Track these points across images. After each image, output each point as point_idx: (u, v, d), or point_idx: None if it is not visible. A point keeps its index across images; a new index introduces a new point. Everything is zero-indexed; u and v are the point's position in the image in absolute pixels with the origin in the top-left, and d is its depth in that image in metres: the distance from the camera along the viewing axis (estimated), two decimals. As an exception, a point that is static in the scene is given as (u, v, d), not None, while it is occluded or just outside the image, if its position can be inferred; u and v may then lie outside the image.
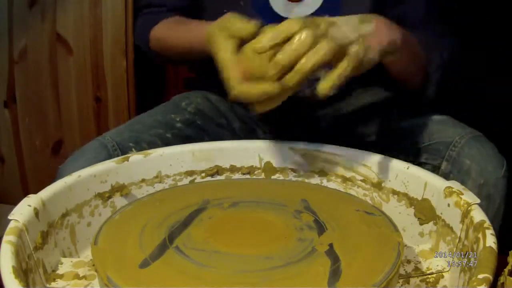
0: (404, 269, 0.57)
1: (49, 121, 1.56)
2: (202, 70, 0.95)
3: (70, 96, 1.53)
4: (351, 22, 0.60)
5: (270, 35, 0.58)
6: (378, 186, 0.69)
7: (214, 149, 0.74)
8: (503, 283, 0.44)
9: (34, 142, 1.58)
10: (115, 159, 0.68)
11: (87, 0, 1.45)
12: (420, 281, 0.56)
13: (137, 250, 0.51)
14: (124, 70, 1.50)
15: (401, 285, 0.55)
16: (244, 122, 0.90)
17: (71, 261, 0.57)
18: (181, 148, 0.73)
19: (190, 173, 0.73)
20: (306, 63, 0.56)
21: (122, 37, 1.47)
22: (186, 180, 0.73)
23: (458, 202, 0.57)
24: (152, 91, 1.61)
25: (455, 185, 0.60)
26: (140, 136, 0.79)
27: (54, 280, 0.54)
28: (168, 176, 0.72)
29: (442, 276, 0.56)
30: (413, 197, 0.65)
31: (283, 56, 0.57)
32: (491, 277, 0.43)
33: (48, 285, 0.53)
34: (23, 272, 0.47)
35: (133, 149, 0.75)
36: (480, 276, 0.43)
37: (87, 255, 0.61)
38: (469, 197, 0.57)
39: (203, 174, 0.73)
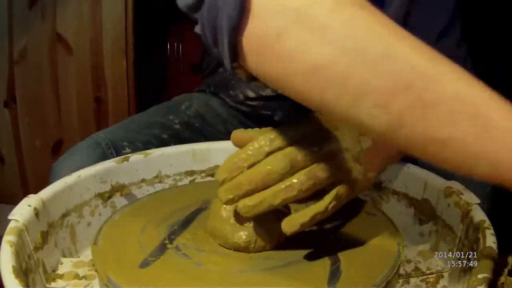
0: (404, 269, 0.57)
1: (49, 121, 1.56)
2: (212, 76, 0.94)
3: (70, 96, 1.54)
4: (353, 133, 0.50)
5: (229, 163, 0.47)
6: (378, 186, 0.69)
7: (214, 149, 0.74)
8: (503, 283, 0.44)
9: (34, 142, 1.59)
10: (115, 159, 0.68)
11: (87, 0, 1.45)
12: (420, 281, 0.55)
13: (137, 250, 0.51)
14: (124, 70, 1.50)
15: (401, 285, 0.55)
16: (245, 125, 0.90)
17: (71, 261, 0.57)
18: (181, 148, 0.73)
19: (190, 173, 0.73)
20: (272, 198, 0.45)
21: (122, 37, 1.47)
22: (186, 180, 0.73)
23: (458, 202, 0.57)
24: (152, 91, 1.61)
25: (455, 185, 0.60)
26: (135, 136, 0.79)
27: (54, 280, 0.54)
28: (168, 176, 0.72)
29: (442, 276, 0.56)
30: (413, 197, 0.65)
31: (242, 179, 0.46)
32: (491, 277, 0.43)
33: (48, 285, 0.53)
34: (23, 272, 0.47)
35: (127, 148, 0.75)
36: (480, 276, 0.43)
37: (87, 255, 0.61)
38: (469, 197, 0.57)
39: (203, 174, 0.73)
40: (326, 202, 0.47)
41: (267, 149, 0.46)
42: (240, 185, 0.46)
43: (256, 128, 0.51)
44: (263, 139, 0.47)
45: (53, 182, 0.61)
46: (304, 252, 0.50)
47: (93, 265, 0.55)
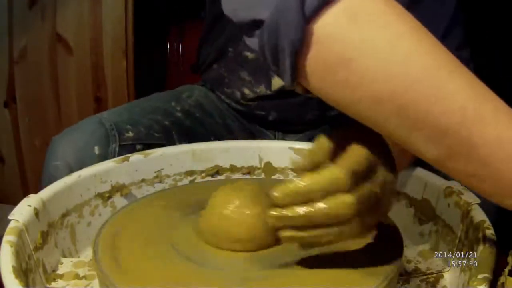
0: (404, 269, 0.57)
1: (49, 121, 1.56)
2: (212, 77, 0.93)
3: (70, 96, 1.53)
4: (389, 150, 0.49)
5: (291, 189, 0.43)
6: (378, 186, 0.69)
7: (214, 149, 0.74)
8: (503, 283, 0.44)
9: (34, 142, 1.59)
10: (115, 159, 0.68)
11: (87, 0, 1.45)
12: (420, 281, 0.56)
13: (136, 247, 0.51)
14: (124, 70, 1.50)
15: (401, 285, 0.55)
16: (241, 122, 0.90)
17: (71, 261, 0.57)
18: (181, 148, 0.73)
19: (190, 173, 0.73)
20: (321, 238, 0.44)
21: (122, 37, 1.47)
22: (186, 180, 0.73)
23: (458, 202, 0.57)
24: (152, 91, 1.61)
25: (455, 185, 0.60)
26: (138, 119, 0.78)
27: (54, 280, 0.54)
28: (168, 176, 0.72)
29: (442, 276, 0.56)
30: (413, 197, 0.65)
31: (299, 214, 0.43)
32: (491, 277, 0.43)
33: (48, 285, 0.53)
34: (23, 272, 0.47)
35: (130, 132, 0.75)
36: (480, 276, 0.43)
37: (87, 255, 0.61)
38: (469, 197, 0.57)
39: (203, 174, 0.73)
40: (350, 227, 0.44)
41: (329, 190, 0.43)
42: (294, 219, 0.44)
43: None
44: (329, 179, 0.43)
45: (50, 156, 0.59)
46: (302, 253, 0.50)
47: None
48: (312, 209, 0.43)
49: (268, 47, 0.42)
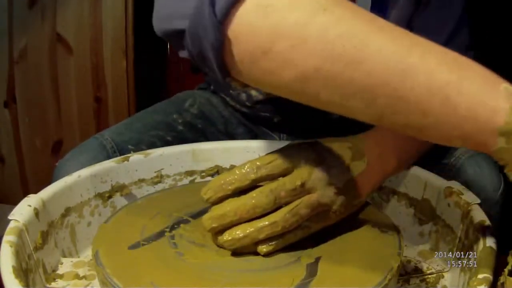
0: (404, 269, 0.57)
1: (49, 121, 1.56)
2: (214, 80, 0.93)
3: (70, 96, 1.54)
4: (343, 162, 0.52)
5: (215, 183, 0.49)
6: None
7: (214, 149, 0.74)
8: (503, 283, 0.44)
9: (34, 142, 1.59)
10: (115, 159, 0.68)
11: (87, 0, 1.45)
12: (420, 281, 0.56)
13: (137, 233, 0.53)
14: (124, 70, 1.50)
15: (401, 285, 0.55)
16: (246, 126, 0.90)
17: (71, 261, 0.57)
18: (181, 148, 0.73)
19: (190, 173, 0.73)
20: (257, 233, 0.48)
21: (122, 37, 1.47)
22: (186, 180, 0.73)
23: (458, 202, 0.57)
24: (152, 91, 1.61)
25: (455, 185, 0.60)
26: (140, 137, 0.78)
27: (54, 280, 0.54)
28: (168, 176, 0.72)
29: (442, 276, 0.56)
30: (413, 197, 0.65)
31: (228, 209, 0.48)
32: (491, 277, 0.43)
33: (48, 285, 0.53)
34: (23, 272, 0.47)
35: (132, 151, 0.75)
36: (480, 276, 0.43)
37: (87, 255, 0.61)
38: (469, 197, 0.57)
39: (203, 174, 0.73)
40: (277, 217, 0.48)
41: (252, 176, 0.49)
42: (225, 216, 0.48)
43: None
44: (250, 166, 0.49)
45: (56, 180, 0.61)
46: (299, 253, 0.50)
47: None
48: (237, 203, 0.48)
49: (195, 53, 0.45)
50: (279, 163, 0.50)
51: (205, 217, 0.49)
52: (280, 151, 0.51)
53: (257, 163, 0.49)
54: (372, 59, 0.40)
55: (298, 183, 0.49)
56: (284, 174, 0.50)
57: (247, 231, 0.48)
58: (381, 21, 0.42)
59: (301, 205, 0.49)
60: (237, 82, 0.47)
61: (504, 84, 0.40)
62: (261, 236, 0.48)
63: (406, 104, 0.40)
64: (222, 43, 0.42)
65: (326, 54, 0.40)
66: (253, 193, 0.48)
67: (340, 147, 0.53)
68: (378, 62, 0.40)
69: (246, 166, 0.49)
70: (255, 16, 0.41)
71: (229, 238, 0.48)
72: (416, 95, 0.40)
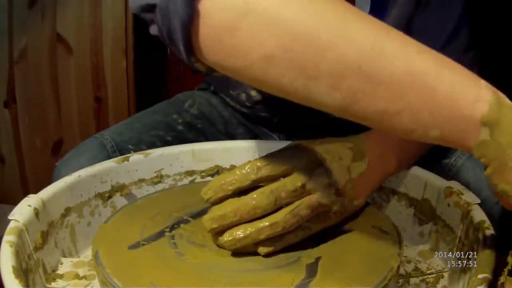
0: (404, 269, 0.57)
1: (49, 121, 1.56)
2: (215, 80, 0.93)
3: (70, 96, 1.54)
4: (343, 162, 0.52)
5: (216, 183, 0.49)
6: (378, 186, 0.69)
7: (214, 149, 0.74)
8: (503, 283, 0.44)
9: (34, 142, 1.59)
10: (115, 159, 0.68)
11: (87, 0, 1.45)
12: (420, 281, 0.56)
13: (137, 233, 0.53)
14: (124, 70, 1.50)
15: (401, 285, 0.55)
16: (246, 126, 0.90)
17: (71, 261, 0.57)
18: (181, 148, 0.73)
19: (190, 173, 0.73)
20: (257, 234, 0.48)
21: (122, 37, 1.47)
22: (186, 180, 0.73)
23: (458, 202, 0.57)
24: (152, 91, 1.61)
25: (455, 185, 0.60)
26: (140, 137, 0.79)
27: (54, 280, 0.54)
28: (168, 176, 0.72)
29: (442, 276, 0.56)
30: (413, 197, 0.65)
31: (228, 210, 0.48)
32: (490, 277, 0.43)
33: (48, 285, 0.53)
34: (23, 272, 0.47)
35: (132, 152, 0.75)
36: (480, 276, 0.43)
37: (87, 255, 0.61)
38: (469, 197, 0.57)
39: (203, 174, 0.73)
40: (277, 217, 0.48)
41: (253, 176, 0.49)
42: (225, 216, 0.48)
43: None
44: (250, 166, 0.49)
45: (55, 181, 0.61)
46: (299, 253, 0.50)
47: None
48: (237, 204, 0.47)
49: (163, 29, 0.43)
50: (279, 164, 0.49)
51: (205, 217, 0.49)
52: (280, 152, 0.51)
53: (258, 163, 0.49)
54: (346, 43, 0.38)
55: (299, 184, 0.48)
56: (284, 175, 0.50)
57: (248, 231, 0.48)
58: (360, 11, 0.41)
59: (302, 206, 0.48)
60: (200, 64, 0.45)
61: (483, 81, 0.39)
62: (262, 236, 0.48)
63: (377, 86, 0.38)
64: (191, 18, 0.41)
65: (298, 35, 0.39)
66: (254, 194, 0.48)
67: (341, 147, 0.53)
68: (352, 46, 0.38)
69: (247, 167, 0.49)
70: None
71: (230, 238, 0.48)
72: (390, 78, 0.38)
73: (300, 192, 0.49)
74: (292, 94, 0.42)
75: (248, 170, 0.49)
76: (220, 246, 0.50)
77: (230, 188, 0.49)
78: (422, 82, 0.38)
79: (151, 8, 0.44)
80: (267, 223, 0.48)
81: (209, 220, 0.49)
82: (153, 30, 0.46)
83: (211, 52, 0.43)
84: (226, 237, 0.48)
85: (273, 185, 0.48)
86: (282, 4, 0.39)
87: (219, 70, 0.45)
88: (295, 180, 0.49)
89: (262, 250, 0.49)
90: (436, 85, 0.38)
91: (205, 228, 0.49)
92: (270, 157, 0.50)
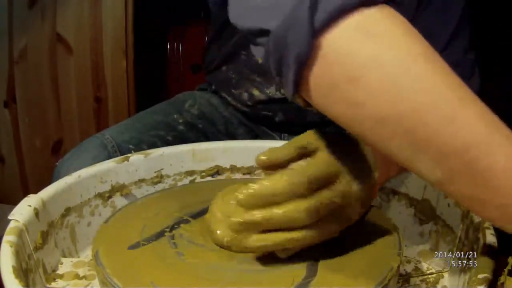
0: (404, 269, 0.57)
1: (49, 121, 1.56)
2: (217, 79, 0.93)
3: (70, 96, 1.54)
4: (372, 176, 0.50)
5: (251, 191, 0.44)
6: (378, 186, 0.69)
7: (214, 149, 0.74)
8: (503, 283, 0.44)
9: (34, 142, 1.59)
10: (115, 159, 0.68)
11: (87, 0, 1.45)
12: (420, 281, 0.56)
13: (138, 233, 0.53)
14: (124, 70, 1.50)
15: (401, 285, 0.55)
16: (246, 126, 0.90)
17: (71, 261, 0.57)
18: (181, 148, 0.73)
19: (190, 173, 0.73)
20: (284, 242, 0.46)
21: (122, 37, 1.47)
22: (186, 180, 0.73)
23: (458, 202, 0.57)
24: (152, 91, 1.61)
25: (455, 185, 0.60)
26: (141, 137, 0.79)
27: (54, 280, 0.54)
28: (168, 176, 0.72)
29: (442, 276, 0.56)
30: (413, 197, 0.65)
31: (260, 219, 0.45)
32: (490, 277, 0.43)
33: (48, 285, 0.53)
34: (23, 272, 0.47)
35: (132, 152, 0.75)
36: (480, 276, 0.43)
37: (87, 255, 0.61)
38: (469, 197, 0.57)
39: (203, 174, 0.73)
40: (310, 233, 0.46)
41: (291, 194, 0.45)
42: (256, 224, 0.45)
43: (281, 147, 0.48)
44: (288, 184, 0.45)
45: (55, 180, 0.61)
46: (299, 253, 0.49)
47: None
48: (271, 215, 0.44)
49: (273, 58, 0.40)
50: (312, 176, 0.45)
51: (234, 223, 0.46)
52: (312, 163, 0.47)
53: (294, 180, 0.44)
54: (461, 125, 0.37)
55: (339, 201, 0.46)
56: (327, 178, 0.46)
57: (276, 240, 0.46)
58: (465, 85, 0.39)
59: (332, 219, 0.47)
60: (302, 101, 0.43)
61: None
62: (287, 245, 0.46)
63: (475, 174, 0.38)
64: (308, 57, 0.38)
65: (416, 102, 0.37)
66: (289, 209, 0.44)
67: (367, 150, 0.51)
68: (465, 129, 0.37)
69: (284, 184, 0.44)
70: (357, 38, 0.37)
71: (258, 244, 0.46)
72: (488, 171, 0.38)
73: (336, 207, 0.47)
74: (395, 156, 0.40)
75: (287, 189, 0.44)
76: (241, 249, 0.48)
77: (265, 200, 0.45)
78: None
79: (263, 33, 0.41)
80: (295, 236, 0.46)
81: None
82: (258, 53, 0.43)
83: (321, 96, 0.40)
84: (254, 241, 0.47)
85: (317, 201, 0.45)
86: (405, 64, 0.37)
87: (322, 111, 0.42)
88: (336, 196, 0.46)
89: (281, 254, 0.48)
90: None
91: (231, 229, 0.47)
92: (304, 169, 0.45)
